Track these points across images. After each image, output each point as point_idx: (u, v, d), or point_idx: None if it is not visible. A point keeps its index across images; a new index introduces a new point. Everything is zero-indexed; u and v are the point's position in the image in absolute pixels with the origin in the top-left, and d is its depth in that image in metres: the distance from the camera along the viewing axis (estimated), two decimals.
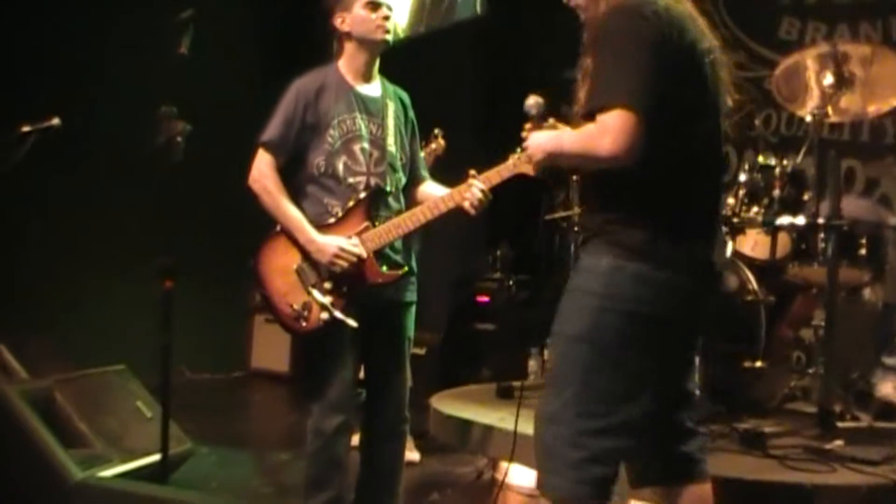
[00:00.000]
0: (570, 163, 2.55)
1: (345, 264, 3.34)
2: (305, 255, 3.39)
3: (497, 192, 3.34)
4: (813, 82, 4.35)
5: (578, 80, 2.58)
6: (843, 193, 4.21)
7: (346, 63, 3.53)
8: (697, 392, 2.78)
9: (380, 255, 3.42)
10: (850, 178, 5.83)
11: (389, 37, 3.49)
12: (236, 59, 7.78)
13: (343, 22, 3.49)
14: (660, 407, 2.61)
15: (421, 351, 6.35)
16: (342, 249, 3.34)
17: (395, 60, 3.68)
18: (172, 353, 3.40)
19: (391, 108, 3.55)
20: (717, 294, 2.71)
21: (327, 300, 3.35)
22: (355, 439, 3.59)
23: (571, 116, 2.66)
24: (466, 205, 3.34)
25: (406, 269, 3.50)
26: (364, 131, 3.47)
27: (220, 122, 6.46)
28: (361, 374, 3.61)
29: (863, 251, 4.20)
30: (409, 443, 4.78)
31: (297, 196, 3.46)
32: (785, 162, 4.33)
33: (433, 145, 4.59)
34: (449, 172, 3.51)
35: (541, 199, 5.02)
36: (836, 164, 4.03)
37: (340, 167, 3.42)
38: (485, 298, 6.66)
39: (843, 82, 4.19)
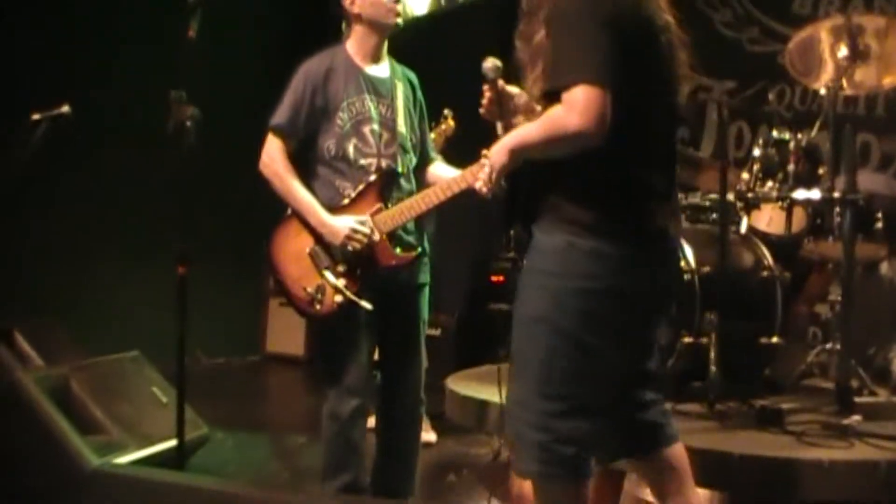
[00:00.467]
0: (538, 153, 2.49)
1: (358, 246, 3.33)
2: (318, 238, 3.38)
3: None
4: (827, 55, 4.31)
5: (522, 51, 2.56)
6: (859, 168, 4.18)
7: (355, 45, 3.51)
8: (656, 367, 2.76)
9: (393, 236, 3.41)
10: (865, 153, 5.79)
11: (400, 20, 3.47)
12: (249, 42, 7.77)
13: (353, 3, 3.46)
14: (622, 382, 2.60)
15: (436, 332, 6.34)
16: (355, 231, 3.33)
17: (410, 40, 3.66)
18: (188, 338, 3.41)
19: (400, 89, 3.54)
20: (673, 268, 2.68)
21: (341, 283, 3.34)
22: (371, 422, 3.59)
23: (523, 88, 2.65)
24: (479, 185, 3.32)
25: (419, 250, 3.49)
26: (374, 113, 3.45)
27: (234, 107, 6.46)
28: (376, 357, 3.60)
29: (879, 226, 4.17)
30: (426, 424, 4.78)
31: (308, 179, 3.45)
32: (799, 136, 4.29)
33: (443, 126, 4.56)
34: (466, 153, 3.49)
35: None
36: (852, 139, 4.00)
37: (351, 149, 3.41)
38: (499, 279, 6.64)
39: (858, 55, 4.15)
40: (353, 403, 3.37)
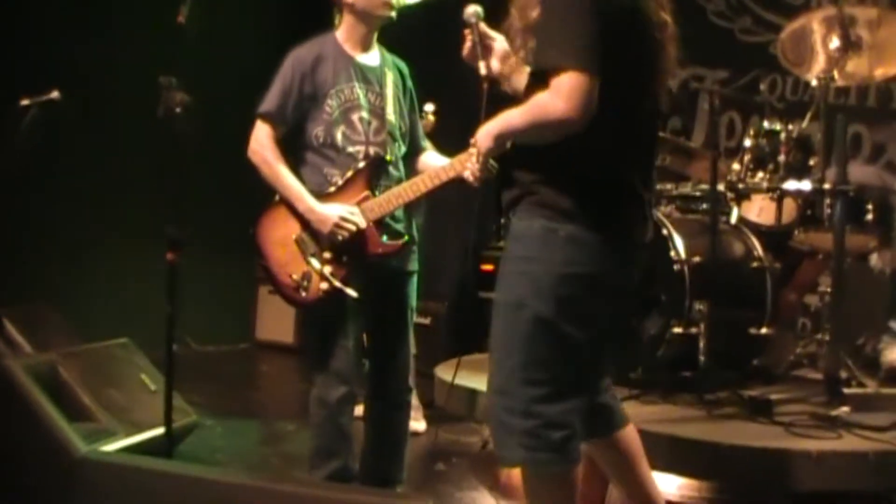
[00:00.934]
0: (523, 138, 2.51)
1: (345, 233, 3.33)
2: (305, 224, 3.37)
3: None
4: (819, 46, 4.31)
5: (515, 20, 2.59)
6: (850, 159, 4.19)
7: (345, 32, 3.49)
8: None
9: (381, 224, 3.40)
10: (856, 144, 5.79)
11: (393, 13, 3.45)
12: (240, 28, 7.72)
13: None
14: (593, 366, 2.64)
15: (427, 321, 6.35)
16: (343, 218, 3.32)
17: (402, 28, 3.64)
18: (177, 325, 3.39)
19: (390, 77, 3.52)
20: (641, 257, 2.69)
21: (327, 270, 3.34)
22: (359, 410, 3.59)
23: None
24: (467, 174, 3.32)
25: (407, 238, 3.48)
26: (363, 101, 3.44)
27: (224, 93, 6.43)
28: (365, 345, 3.60)
29: (869, 217, 4.18)
30: (416, 412, 4.79)
31: (297, 166, 3.44)
32: (791, 127, 4.30)
33: (423, 122, 4.55)
34: (455, 142, 3.48)
35: None
36: (843, 129, 4.00)
37: (339, 137, 3.40)
38: (490, 267, 6.64)
39: (850, 46, 4.15)
40: (341, 390, 3.37)
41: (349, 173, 3.38)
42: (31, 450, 3.48)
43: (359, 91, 3.44)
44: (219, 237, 7.09)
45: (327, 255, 3.36)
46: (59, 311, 5.50)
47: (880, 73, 4.39)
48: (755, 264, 4.36)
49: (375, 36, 3.54)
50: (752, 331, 4.26)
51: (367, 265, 3.38)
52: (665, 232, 4.21)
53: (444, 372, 4.52)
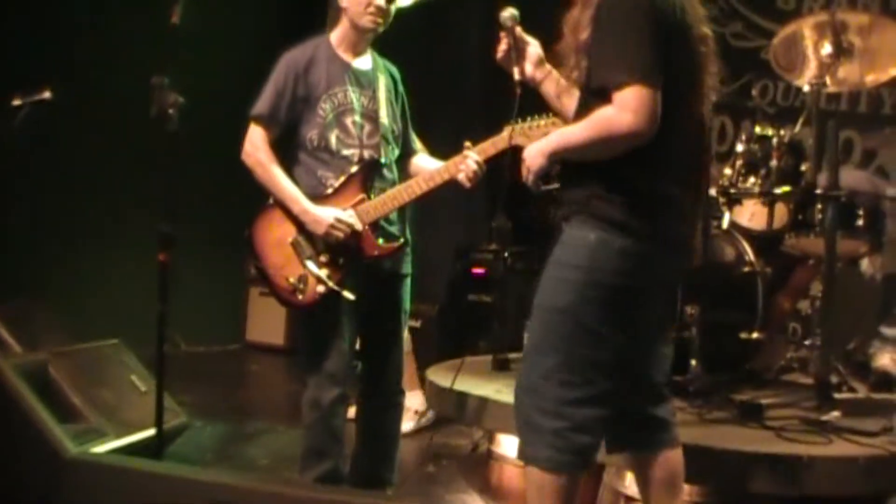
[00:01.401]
0: (581, 155, 2.54)
1: (341, 235, 3.32)
2: (300, 227, 3.37)
3: (495, 163, 3.33)
4: (811, 52, 4.32)
5: (567, 39, 2.59)
6: (841, 164, 4.20)
7: (339, 36, 3.49)
8: (670, 356, 2.84)
9: (376, 227, 3.40)
10: (847, 150, 5.81)
11: (380, 28, 3.46)
12: (233, 29, 7.70)
13: None
14: (638, 373, 2.69)
15: (417, 323, 6.34)
16: (338, 220, 3.32)
17: (396, 30, 3.64)
18: (168, 325, 3.38)
19: (382, 80, 3.53)
20: (685, 270, 2.76)
21: (323, 273, 3.33)
22: (351, 411, 3.59)
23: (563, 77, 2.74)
24: (461, 177, 3.33)
25: (402, 240, 3.49)
26: (356, 104, 3.44)
27: (218, 92, 6.41)
28: (357, 346, 3.60)
29: (860, 222, 4.20)
30: (410, 412, 4.80)
31: (291, 168, 3.44)
32: (782, 132, 4.31)
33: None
34: (450, 144, 3.49)
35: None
36: (834, 135, 4.02)
37: (333, 140, 3.39)
38: (481, 270, 6.65)
39: (842, 52, 4.17)
40: (334, 392, 3.37)
41: (344, 177, 3.38)
42: (20, 450, 3.46)
43: (352, 94, 3.44)
44: (210, 238, 7.10)
45: (323, 257, 3.35)
46: (50, 309, 5.48)
47: (871, 78, 4.40)
48: (746, 269, 4.37)
49: (369, 40, 3.54)
50: (744, 335, 4.26)
51: (362, 267, 3.38)
52: None
53: (434, 375, 4.51)
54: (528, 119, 3.20)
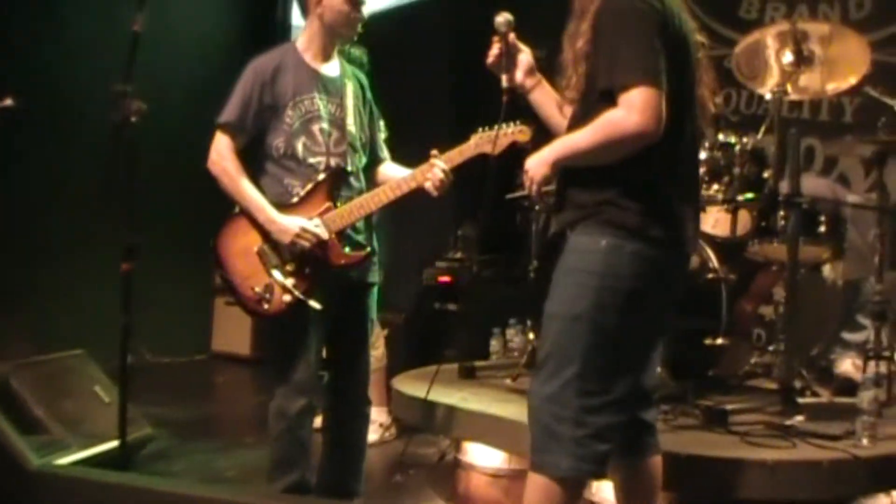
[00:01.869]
0: (586, 160, 2.55)
1: (307, 245, 3.31)
2: (266, 236, 3.35)
3: (462, 171, 3.33)
4: (773, 60, 4.37)
5: (566, 52, 2.61)
6: (803, 172, 4.24)
7: (307, 42, 3.48)
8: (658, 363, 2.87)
9: (342, 236, 3.39)
10: (809, 157, 5.87)
11: (355, 35, 3.49)
12: (201, 36, 7.68)
13: (319, 2, 3.42)
14: (638, 377, 2.70)
15: (384, 332, 6.32)
16: (304, 230, 3.31)
17: (372, 40, 3.65)
18: (133, 336, 3.36)
19: (350, 88, 3.52)
20: (687, 271, 2.81)
21: (290, 282, 3.32)
22: (318, 421, 3.57)
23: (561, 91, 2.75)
24: (428, 185, 3.33)
25: (369, 249, 3.48)
26: (323, 111, 3.43)
27: (182, 101, 6.39)
28: (324, 355, 3.58)
29: (822, 229, 4.23)
30: (371, 425, 4.78)
31: (257, 177, 3.42)
32: (745, 140, 4.34)
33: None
34: (421, 150, 3.49)
35: (509, 177, 4.98)
36: (796, 142, 4.05)
37: (300, 148, 3.38)
38: (447, 279, 6.64)
39: (803, 60, 4.21)
40: (300, 402, 3.35)
41: (310, 185, 3.37)
42: None
43: (319, 102, 3.43)
44: (175, 247, 7.06)
45: (290, 267, 3.34)
46: (12, 320, 5.42)
47: (832, 87, 4.45)
48: (710, 276, 4.39)
49: (336, 47, 3.54)
50: (708, 341, 4.28)
51: (328, 276, 3.37)
52: None
53: (401, 383, 4.50)
54: (495, 126, 3.20)
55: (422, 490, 4.40)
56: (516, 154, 3.19)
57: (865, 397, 3.53)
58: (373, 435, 5.01)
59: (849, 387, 4.29)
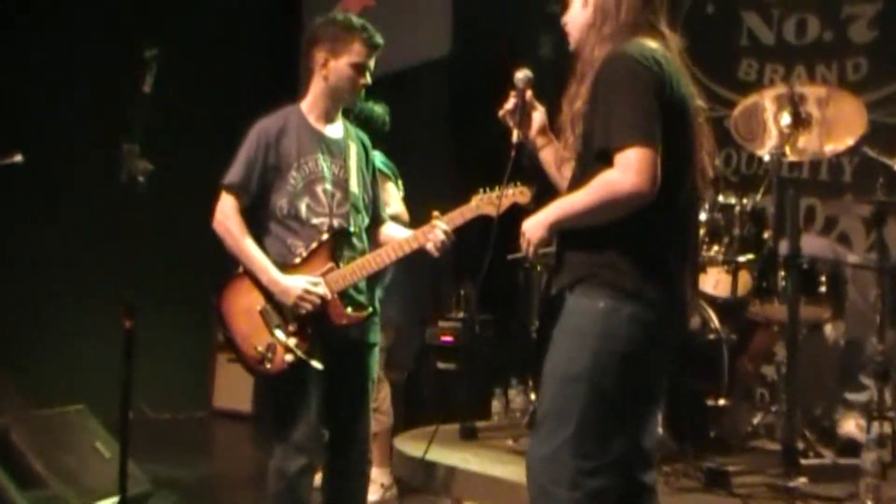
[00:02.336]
0: (583, 221, 2.57)
1: (309, 306, 3.32)
2: (269, 296, 3.36)
3: (463, 231, 3.35)
4: (771, 122, 4.42)
5: (564, 113, 2.65)
6: (803, 232, 4.26)
7: (311, 104, 3.52)
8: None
9: (344, 295, 3.40)
10: (809, 217, 5.90)
11: (359, 100, 3.56)
12: (205, 95, 7.75)
13: (325, 66, 3.46)
14: (637, 440, 2.67)
15: None
16: (307, 291, 3.32)
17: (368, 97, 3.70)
18: (134, 391, 3.36)
19: (353, 149, 3.55)
20: (682, 333, 2.79)
21: (292, 342, 3.32)
22: (317, 479, 3.56)
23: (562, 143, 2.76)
24: (430, 246, 3.35)
25: (370, 309, 3.49)
26: (327, 172, 3.46)
27: (186, 160, 6.44)
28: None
29: (823, 288, 4.25)
30: (373, 485, 4.75)
31: (260, 235, 3.44)
32: (745, 201, 4.38)
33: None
34: (423, 211, 3.52)
35: (511, 237, 5.01)
36: (795, 203, 4.08)
37: (303, 208, 3.41)
38: (448, 338, 6.64)
39: (801, 122, 4.25)
40: (300, 461, 3.34)
41: (313, 245, 3.38)
42: None
43: (322, 163, 3.46)
44: (177, 304, 7.06)
45: (292, 326, 3.34)
46: (14, 374, 5.42)
47: (830, 148, 4.50)
48: (712, 336, 4.40)
49: (340, 109, 3.58)
50: (710, 402, 4.28)
51: (330, 336, 3.37)
52: None
53: (402, 443, 4.49)
54: (496, 188, 3.23)
55: None
56: (518, 213, 3.21)
57: (868, 458, 3.51)
58: (373, 495, 4.97)
59: (852, 447, 4.27)
